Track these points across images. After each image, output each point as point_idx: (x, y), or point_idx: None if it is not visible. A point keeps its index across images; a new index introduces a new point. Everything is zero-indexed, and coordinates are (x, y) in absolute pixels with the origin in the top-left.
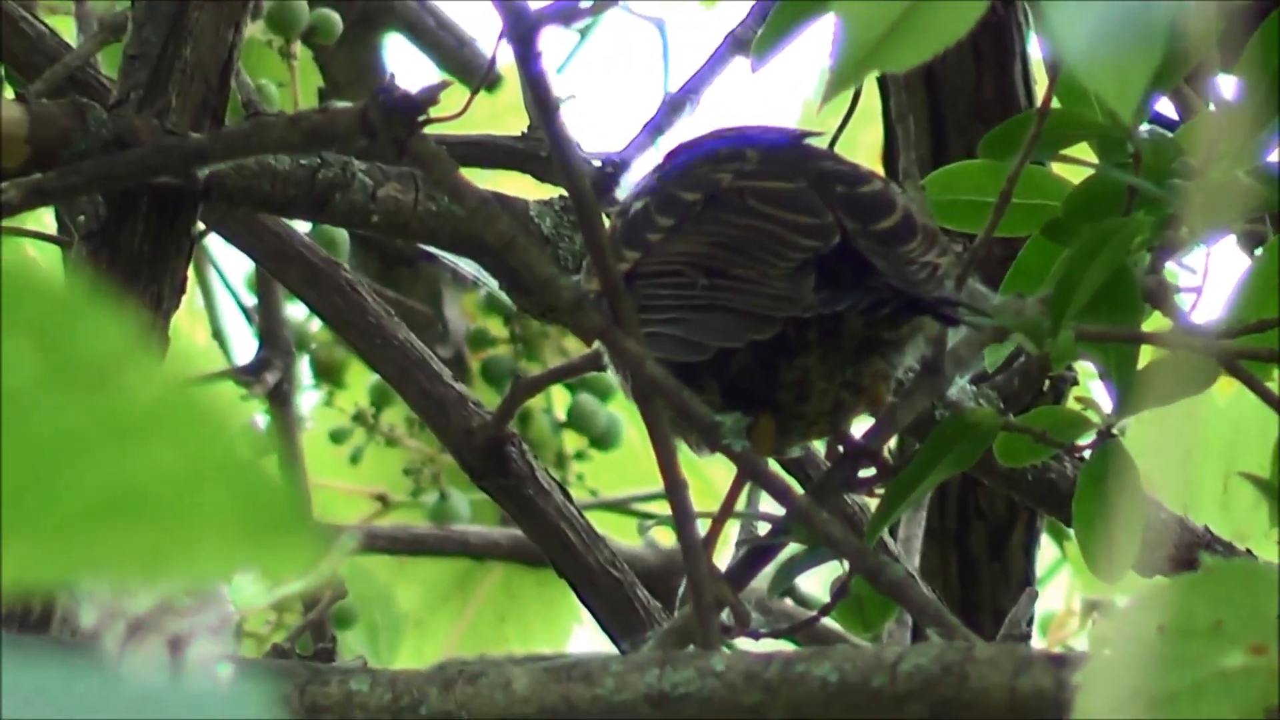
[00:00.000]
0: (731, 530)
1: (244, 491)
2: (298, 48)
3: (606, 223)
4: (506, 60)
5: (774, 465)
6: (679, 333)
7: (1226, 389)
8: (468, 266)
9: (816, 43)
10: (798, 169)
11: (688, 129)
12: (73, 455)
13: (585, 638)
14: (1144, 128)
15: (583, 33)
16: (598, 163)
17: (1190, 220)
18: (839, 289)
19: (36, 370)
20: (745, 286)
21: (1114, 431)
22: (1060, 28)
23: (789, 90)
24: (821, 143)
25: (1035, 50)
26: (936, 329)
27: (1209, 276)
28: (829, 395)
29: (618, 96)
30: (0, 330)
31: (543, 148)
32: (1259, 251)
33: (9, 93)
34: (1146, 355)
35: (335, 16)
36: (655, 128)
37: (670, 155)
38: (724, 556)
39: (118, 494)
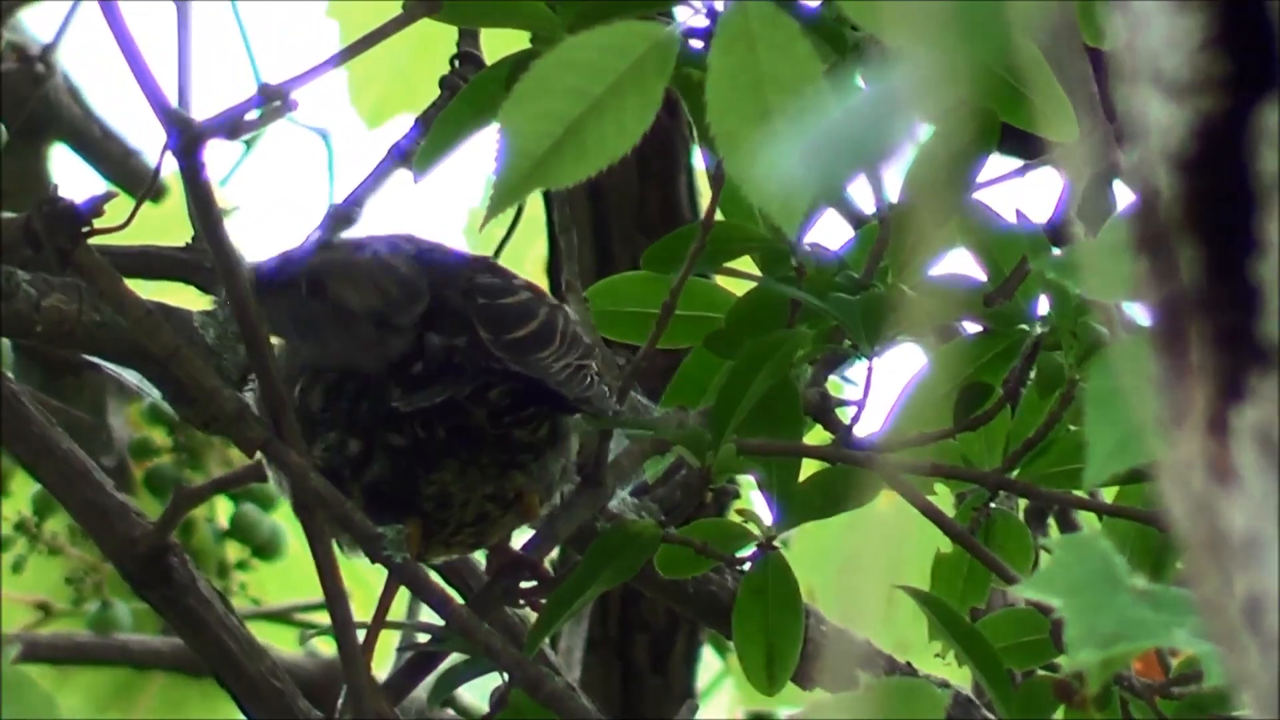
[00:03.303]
0: (394, 638)
1: None
2: None
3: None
4: (172, 169)
5: (434, 576)
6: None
7: (889, 501)
8: (131, 377)
9: (481, 151)
10: (449, 280)
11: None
12: None
13: None
14: (807, 242)
15: (248, 143)
16: None
17: (852, 333)
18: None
19: None
20: (338, 319)
21: (775, 544)
22: (725, 143)
23: (454, 199)
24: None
25: (700, 162)
26: (580, 434)
27: (871, 389)
28: (471, 505)
29: (282, 207)
30: None
31: (207, 258)
32: (919, 366)
33: None
34: (809, 468)
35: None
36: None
37: None
38: (386, 665)
39: None
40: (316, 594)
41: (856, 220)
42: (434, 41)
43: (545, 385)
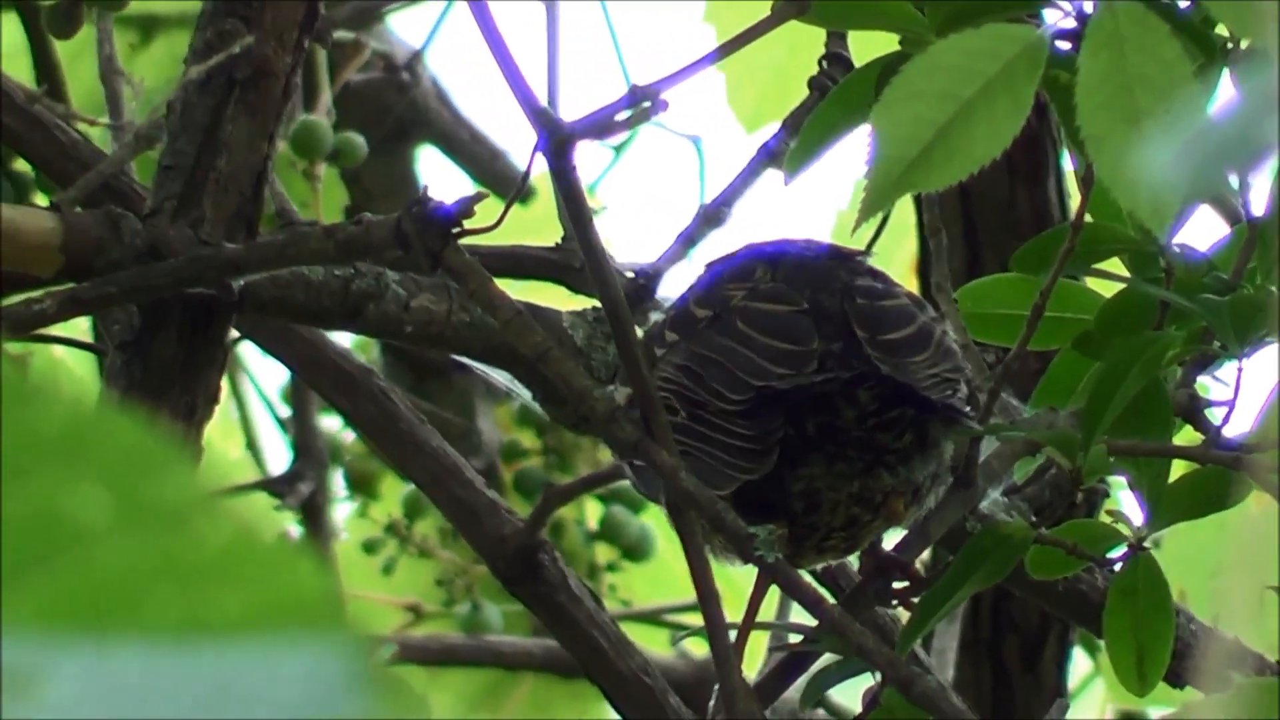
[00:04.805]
0: (764, 639)
1: (312, 636)
2: (321, 169)
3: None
4: (539, 170)
5: (807, 577)
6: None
7: (1259, 502)
8: (500, 378)
9: (850, 153)
10: (825, 284)
11: (721, 241)
12: (141, 595)
13: None
14: (1176, 242)
15: (618, 148)
16: (631, 274)
17: (1221, 334)
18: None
19: (108, 514)
20: (711, 433)
21: (1145, 544)
22: (1094, 145)
23: (823, 201)
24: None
25: (1069, 163)
26: (950, 444)
27: (1241, 390)
28: (840, 508)
29: (651, 207)
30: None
31: (576, 259)
32: None
33: (42, 200)
34: (1179, 469)
35: (360, 140)
36: (689, 239)
37: (708, 266)
38: (756, 665)
39: (184, 633)
40: (686, 595)
41: (1233, 220)
42: (809, 46)
43: (914, 390)
